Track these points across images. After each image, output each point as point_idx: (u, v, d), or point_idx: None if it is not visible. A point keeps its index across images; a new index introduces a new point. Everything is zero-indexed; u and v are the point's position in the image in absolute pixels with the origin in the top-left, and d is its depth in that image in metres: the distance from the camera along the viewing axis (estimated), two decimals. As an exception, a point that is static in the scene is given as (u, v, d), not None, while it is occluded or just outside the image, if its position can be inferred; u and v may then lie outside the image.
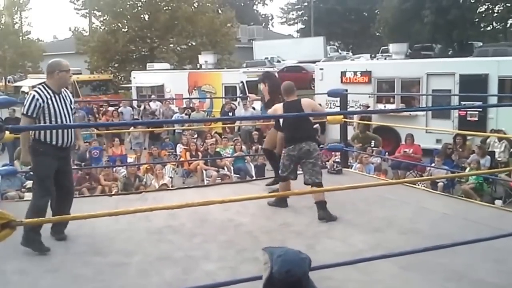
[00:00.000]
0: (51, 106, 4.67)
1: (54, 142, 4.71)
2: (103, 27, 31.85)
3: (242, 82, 19.28)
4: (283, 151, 5.86)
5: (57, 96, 4.76)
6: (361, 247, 4.65)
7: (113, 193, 9.10)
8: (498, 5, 34.04)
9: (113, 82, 29.70)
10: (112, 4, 30.31)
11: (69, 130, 4.84)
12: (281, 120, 6.12)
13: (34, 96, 4.63)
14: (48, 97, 4.69)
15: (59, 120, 4.71)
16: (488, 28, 35.55)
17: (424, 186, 9.33)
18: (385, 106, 15.73)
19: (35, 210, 4.53)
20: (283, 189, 5.81)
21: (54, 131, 4.70)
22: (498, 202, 9.56)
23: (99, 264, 4.38)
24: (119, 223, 5.16)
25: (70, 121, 4.91)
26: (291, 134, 5.75)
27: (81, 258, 4.53)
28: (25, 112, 4.63)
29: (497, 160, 11.29)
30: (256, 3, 61.19)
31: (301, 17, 58.52)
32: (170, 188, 9.19)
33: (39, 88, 4.74)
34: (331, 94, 8.74)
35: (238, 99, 18.12)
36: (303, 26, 57.77)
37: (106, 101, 22.15)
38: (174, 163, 12.98)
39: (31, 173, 5.05)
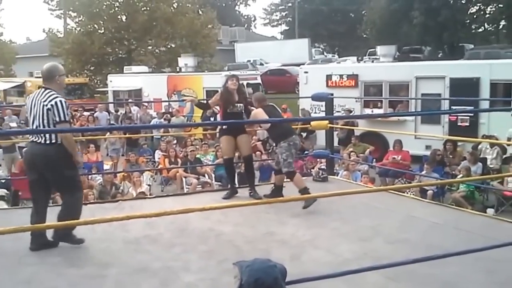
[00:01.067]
0: None
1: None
2: (78, 29, 31.73)
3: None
4: (281, 146, 6.39)
5: None
6: (347, 256, 4.66)
7: (88, 201, 9.01)
8: (490, 6, 34.49)
9: (88, 85, 29.52)
10: (88, 5, 30.18)
11: None
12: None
13: (64, 102, 4.85)
14: None
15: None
16: (480, 30, 36.02)
17: (413, 194, 9.40)
18: (372, 111, 15.84)
19: (73, 214, 4.72)
20: (299, 183, 6.35)
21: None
22: (490, 211, 9.60)
23: (74, 276, 4.34)
24: (95, 232, 5.13)
25: None
26: (283, 130, 6.45)
27: (55, 269, 4.47)
28: (63, 119, 4.79)
29: (489, 167, 11.36)
30: (238, 3, 61.40)
31: (285, 18, 58.85)
32: (148, 196, 9.14)
33: (55, 93, 4.87)
34: (315, 98, 8.76)
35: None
36: (287, 28, 58.09)
37: (81, 105, 22.01)
38: (152, 170, 12.91)
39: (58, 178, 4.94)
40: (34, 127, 4.95)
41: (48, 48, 32.75)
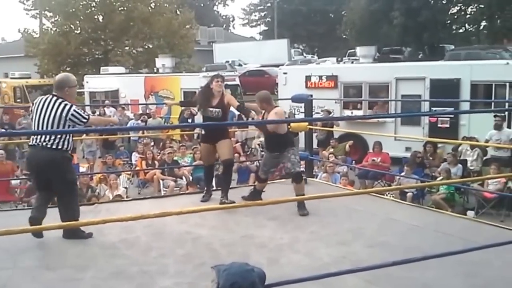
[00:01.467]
0: None
1: (70, 150, 5.34)
2: (54, 29, 31.35)
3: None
4: (292, 152, 6.32)
5: None
6: (326, 260, 4.68)
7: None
8: (471, 7, 34.83)
9: (64, 86, 29.15)
10: (64, 4, 29.85)
11: None
12: (284, 126, 6.50)
13: (75, 107, 5.19)
14: None
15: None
16: (461, 31, 36.37)
17: (392, 196, 9.47)
18: (352, 112, 15.93)
19: (74, 214, 5.14)
20: (302, 188, 6.29)
21: (71, 139, 5.27)
22: (470, 213, 9.71)
23: (49, 280, 4.31)
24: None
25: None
26: (290, 137, 6.54)
27: (30, 273, 4.44)
28: (86, 118, 5.24)
29: (469, 169, 11.44)
30: (217, 3, 61.27)
31: (264, 18, 58.91)
32: (125, 199, 9.09)
33: (66, 102, 5.16)
34: (295, 99, 8.79)
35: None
36: (266, 28, 58.16)
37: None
38: (129, 172, 12.83)
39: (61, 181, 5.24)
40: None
41: (23, 48, 32.33)
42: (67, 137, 5.23)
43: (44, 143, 5.09)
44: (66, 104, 5.12)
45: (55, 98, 5.19)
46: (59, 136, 5.13)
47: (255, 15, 60.62)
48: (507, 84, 13.29)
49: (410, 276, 4.21)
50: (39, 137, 5.18)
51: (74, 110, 5.14)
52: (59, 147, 5.12)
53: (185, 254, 4.86)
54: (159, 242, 5.18)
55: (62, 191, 5.25)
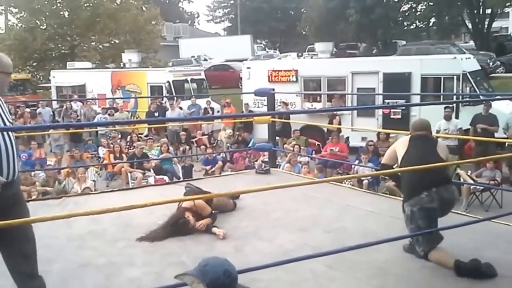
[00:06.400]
0: None
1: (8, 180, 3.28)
2: (20, 25, 30.64)
3: (168, 81, 19.11)
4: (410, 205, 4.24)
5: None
6: (288, 247, 4.70)
7: (32, 198, 8.72)
8: (421, 4, 35.42)
9: (31, 81, 28.50)
10: (29, 1, 29.17)
11: (14, 152, 3.32)
12: (400, 156, 4.42)
13: None
14: None
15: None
16: (412, 27, 36.93)
17: (350, 184, 9.57)
18: (312, 105, 16.03)
19: None
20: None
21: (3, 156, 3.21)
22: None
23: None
24: (38, 229, 4.88)
25: (12, 143, 3.31)
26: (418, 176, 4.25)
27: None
28: None
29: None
30: (182, 0, 60.77)
31: (228, 15, 58.73)
32: (93, 192, 8.94)
33: None
34: (258, 93, 8.82)
35: (165, 99, 17.96)
36: (230, 24, 58.01)
37: (24, 101, 21.23)
38: (97, 166, 12.63)
39: None
40: None
41: (-12, 44, 31.50)
42: None
43: None
44: None
45: None
46: None
47: (219, 12, 60.35)
48: (455, 77, 13.57)
49: (366, 259, 4.26)
50: None
51: None
52: None
53: (152, 245, 4.80)
54: (126, 233, 5.11)
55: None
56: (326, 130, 14.19)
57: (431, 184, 4.10)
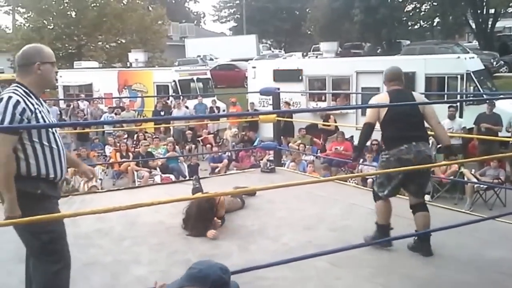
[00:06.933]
0: (41, 120, 3.07)
1: (52, 175, 3.15)
2: (27, 25, 30.70)
3: (174, 81, 19.12)
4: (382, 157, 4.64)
5: (42, 105, 3.18)
6: (293, 245, 4.69)
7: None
8: (425, 4, 35.37)
9: (38, 81, 28.61)
10: (36, 1, 29.23)
11: (63, 153, 3.26)
12: (382, 113, 4.57)
13: (12, 99, 2.96)
14: (35, 105, 3.06)
15: (53, 144, 3.17)
16: (416, 27, 36.89)
17: (355, 182, 9.55)
18: (317, 104, 16.00)
19: None
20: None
21: (49, 157, 3.12)
22: (426, 197, 9.84)
23: (24, 272, 4.19)
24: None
25: (61, 144, 3.27)
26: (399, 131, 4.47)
27: (5, 266, 4.33)
28: None
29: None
30: (188, 0, 60.79)
31: (233, 15, 58.66)
32: (100, 190, 8.94)
33: (16, 89, 3.05)
34: (263, 92, 8.79)
35: (171, 98, 17.98)
36: (235, 24, 57.94)
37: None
38: (103, 164, 12.64)
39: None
40: None
41: (-4, 44, 31.60)
42: (36, 151, 3.06)
43: None
44: (4, 93, 3.03)
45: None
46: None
47: (225, 12, 60.29)
48: (459, 76, 13.52)
49: (370, 257, 4.26)
50: None
51: (8, 97, 2.96)
52: (21, 171, 3.01)
53: (158, 243, 4.80)
54: (133, 231, 5.11)
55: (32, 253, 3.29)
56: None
57: (412, 138, 4.40)
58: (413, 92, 4.92)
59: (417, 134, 4.47)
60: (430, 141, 11.74)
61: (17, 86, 3.09)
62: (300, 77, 16.03)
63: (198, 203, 5.05)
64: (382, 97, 4.75)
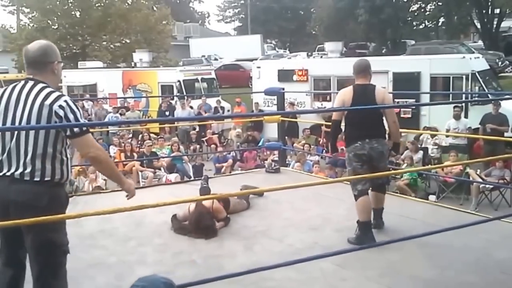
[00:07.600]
0: None
1: (64, 179, 3.05)
2: (31, 24, 30.78)
3: (179, 81, 19.12)
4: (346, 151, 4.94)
5: None
6: (298, 246, 4.67)
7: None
8: (430, 4, 35.30)
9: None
10: (41, 1, 29.32)
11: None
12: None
13: (73, 102, 2.96)
14: None
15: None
16: (421, 27, 36.78)
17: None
18: (322, 104, 15.96)
19: None
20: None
21: (65, 161, 3.06)
22: (432, 197, 9.85)
23: (27, 272, 4.18)
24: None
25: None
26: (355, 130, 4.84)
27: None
28: (83, 129, 2.96)
29: (430, 156, 11.68)
30: (192, 0, 60.84)
31: (238, 15, 58.66)
32: (104, 191, 8.93)
33: (54, 90, 2.98)
34: (267, 92, 8.78)
35: (176, 98, 17.97)
36: (240, 24, 57.94)
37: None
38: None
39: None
40: (16, 147, 2.87)
41: (1, 44, 31.68)
42: (62, 157, 2.99)
43: (16, 172, 2.84)
44: (52, 92, 2.90)
45: (32, 83, 2.95)
46: (44, 155, 2.87)
47: (230, 12, 60.29)
48: (464, 76, 13.47)
49: (377, 258, 4.23)
50: (6, 160, 2.87)
51: (73, 107, 2.89)
52: (46, 178, 2.86)
53: (162, 244, 4.79)
54: (137, 232, 5.10)
55: (40, 260, 3.02)
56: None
57: (365, 136, 4.77)
58: (377, 88, 5.10)
59: (371, 133, 4.79)
60: (429, 140, 11.84)
61: (46, 85, 2.97)
62: (295, 77, 15.96)
63: (198, 213, 5.05)
64: (347, 91, 5.03)
